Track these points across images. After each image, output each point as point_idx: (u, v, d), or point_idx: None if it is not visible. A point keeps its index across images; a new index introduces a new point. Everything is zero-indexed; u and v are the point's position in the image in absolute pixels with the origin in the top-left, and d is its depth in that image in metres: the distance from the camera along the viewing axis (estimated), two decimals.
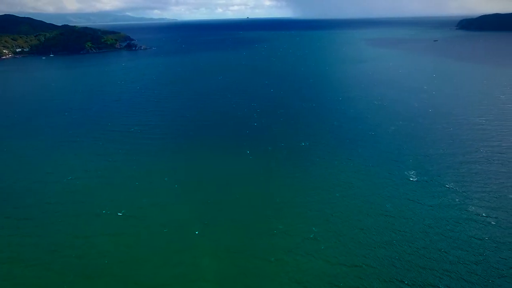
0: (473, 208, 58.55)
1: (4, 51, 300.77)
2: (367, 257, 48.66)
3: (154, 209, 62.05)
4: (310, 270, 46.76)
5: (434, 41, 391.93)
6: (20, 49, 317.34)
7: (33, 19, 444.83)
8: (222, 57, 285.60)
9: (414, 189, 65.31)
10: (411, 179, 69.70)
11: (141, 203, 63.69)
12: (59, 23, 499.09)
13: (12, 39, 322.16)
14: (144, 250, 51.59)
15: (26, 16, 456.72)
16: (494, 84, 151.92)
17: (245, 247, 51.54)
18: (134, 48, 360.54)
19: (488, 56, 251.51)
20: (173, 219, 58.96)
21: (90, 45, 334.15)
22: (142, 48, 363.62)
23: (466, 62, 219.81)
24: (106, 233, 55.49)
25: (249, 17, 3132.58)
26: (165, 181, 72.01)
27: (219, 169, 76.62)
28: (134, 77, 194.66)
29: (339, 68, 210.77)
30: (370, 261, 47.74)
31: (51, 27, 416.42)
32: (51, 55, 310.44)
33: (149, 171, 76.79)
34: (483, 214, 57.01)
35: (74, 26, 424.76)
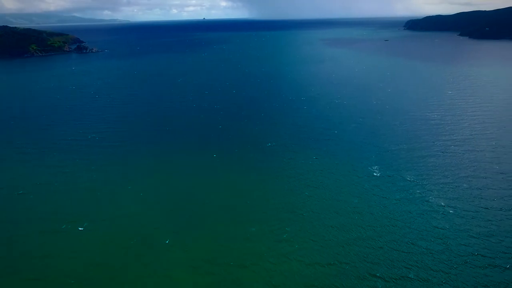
0: (433, 199, 61.84)
1: None
2: (340, 254, 49.44)
3: (118, 220, 58.61)
4: (285, 273, 46.53)
5: (385, 40, 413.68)
6: None
7: None
8: (180, 59, 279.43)
9: (378, 184, 67.70)
10: (375, 174, 72.30)
11: (104, 215, 59.89)
12: None
13: None
14: (111, 265, 48.42)
15: None
16: (442, 81, 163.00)
17: (219, 253, 50.23)
18: (85, 51, 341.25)
19: (434, 54, 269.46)
20: (140, 229, 56.06)
21: (35, 47, 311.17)
22: (94, 50, 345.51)
23: (416, 61, 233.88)
24: (68, 251, 51.40)
25: (205, 18, 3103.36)
26: (128, 190, 68.48)
27: (186, 175, 74.37)
28: (87, 82, 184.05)
29: (299, 68, 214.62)
30: (343, 258, 48.53)
31: None
32: None
33: (111, 180, 72.60)
34: (442, 204, 60.39)
35: (15, 27, 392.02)
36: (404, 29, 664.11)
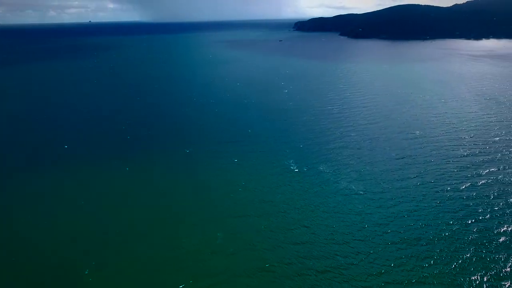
0: (346, 185, 67.50)
1: None
2: (274, 255, 49.64)
3: (18, 258, 48.52)
4: (224, 286, 44.88)
5: (280, 41, 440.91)
6: None
7: None
8: (67, 67, 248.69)
9: (298, 180, 70.83)
10: (291, 167, 75.86)
11: None
12: None
13: None
14: None
15: None
16: (334, 77, 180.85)
17: (149, 279, 45.71)
18: None
19: (323, 52, 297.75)
20: (50, 263, 47.55)
21: None
22: None
23: (309, 59, 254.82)
24: None
25: (92, 21, 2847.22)
26: (28, 221, 57.37)
27: (95, 194, 65.95)
28: None
29: (203, 71, 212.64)
30: (278, 259, 48.74)
31: None
32: None
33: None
34: (354, 188, 66.50)
35: None
36: (294, 30, 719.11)
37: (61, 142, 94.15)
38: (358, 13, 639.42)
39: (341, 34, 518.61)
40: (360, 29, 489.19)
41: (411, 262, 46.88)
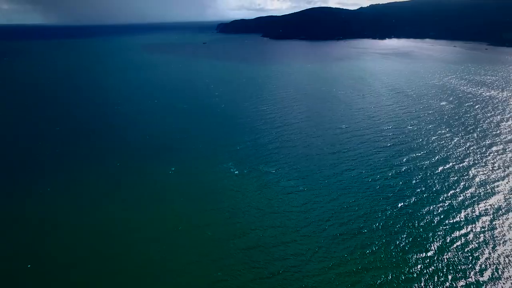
0: (287, 184, 69.14)
1: None
2: (225, 264, 48.54)
3: None
4: None
5: (204, 43, 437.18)
6: None
7: None
8: None
9: (240, 183, 70.31)
10: (232, 171, 75.38)
11: None
12: None
13: None
14: None
15: None
16: (263, 78, 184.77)
17: None
18: None
19: (249, 54, 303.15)
20: None
21: None
22: None
23: (236, 61, 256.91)
24: None
25: None
26: None
27: (17, 223, 56.98)
28: None
29: (125, 77, 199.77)
30: (229, 267, 47.64)
31: None
32: None
33: None
34: (294, 186, 68.47)
35: None
36: (217, 32, 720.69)
37: None
38: (277, 15, 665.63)
39: (263, 36, 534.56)
40: (281, 30, 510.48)
41: (357, 250, 49.76)
